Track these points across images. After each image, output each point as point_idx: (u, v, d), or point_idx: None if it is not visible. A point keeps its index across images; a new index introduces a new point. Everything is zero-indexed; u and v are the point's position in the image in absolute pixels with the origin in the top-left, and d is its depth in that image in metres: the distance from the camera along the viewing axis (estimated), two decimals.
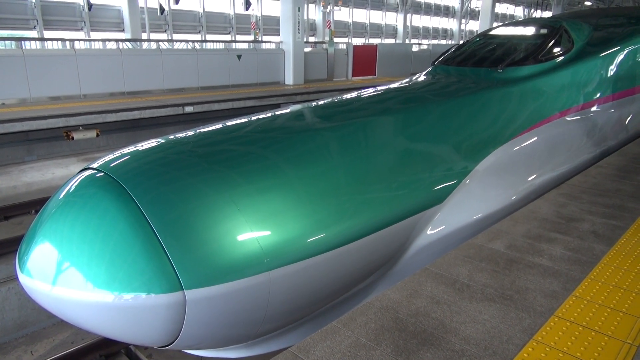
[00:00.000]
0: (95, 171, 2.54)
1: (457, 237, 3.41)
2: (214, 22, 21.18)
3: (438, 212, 3.36)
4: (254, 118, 3.51)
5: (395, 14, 29.59)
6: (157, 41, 14.76)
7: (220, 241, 2.30)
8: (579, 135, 4.88)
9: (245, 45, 16.14)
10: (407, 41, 29.38)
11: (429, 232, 3.31)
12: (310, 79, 15.14)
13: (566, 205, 3.56)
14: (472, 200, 3.53)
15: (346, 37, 26.76)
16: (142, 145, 2.88)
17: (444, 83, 4.79)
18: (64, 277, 2.20)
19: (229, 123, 3.36)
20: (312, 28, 24.68)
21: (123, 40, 14.02)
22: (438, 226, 3.35)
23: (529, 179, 4.09)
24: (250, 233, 2.37)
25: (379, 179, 3.14)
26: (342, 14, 26.11)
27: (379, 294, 2.35)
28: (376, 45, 17.90)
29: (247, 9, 16.37)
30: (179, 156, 2.74)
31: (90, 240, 2.22)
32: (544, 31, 5.35)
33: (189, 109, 9.97)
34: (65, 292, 2.18)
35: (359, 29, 27.99)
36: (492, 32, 5.86)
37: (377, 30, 29.11)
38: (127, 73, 10.98)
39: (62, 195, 2.48)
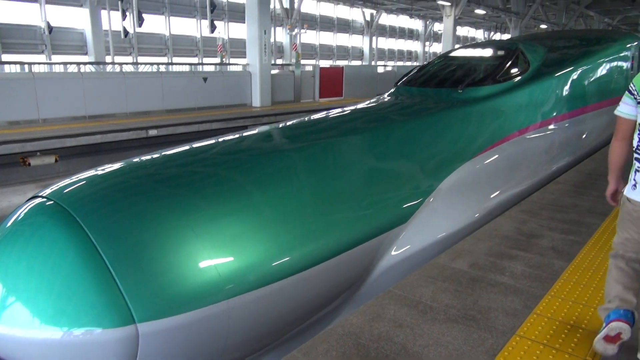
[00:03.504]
0: (44, 199, 2.42)
1: (422, 257, 3.40)
2: (181, 45, 21.07)
3: (402, 232, 3.35)
4: (214, 141, 3.45)
5: (361, 36, 30.20)
6: (121, 64, 14.48)
7: (176, 270, 2.21)
8: (538, 153, 5.01)
9: (212, 68, 16.05)
10: (373, 63, 29.93)
11: (393, 252, 3.29)
12: (278, 101, 15.14)
13: (526, 222, 3.61)
14: (436, 219, 3.54)
15: (313, 59, 27.07)
16: (97, 170, 2.78)
17: (406, 104, 4.85)
18: (9, 313, 2.06)
19: (189, 146, 3.29)
20: (279, 50, 24.87)
21: (85, 63, 13.73)
22: (403, 246, 3.34)
23: (491, 196, 4.15)
24: (208, 260, 2.29)
25: (342, 200, 3.11)
26: (309, 37, 26.45)
27: (342, 319, 2.30)
28: (342, 67, 18.12)
29: (212, 31, 16.34)
30: (135, 181, 2.65)
31: (37, 272, 2.10)
32: (501, 53, 5.52)
33: (152, 132, 9.78)
34: (9, 330, 2.04)
35: (326, 51, 28.38)
36: (452, 54, 6.01)
37: (344, 52, 29.60)
38: (88, 96, 10.70)
39: (8, 225, 2.35)
